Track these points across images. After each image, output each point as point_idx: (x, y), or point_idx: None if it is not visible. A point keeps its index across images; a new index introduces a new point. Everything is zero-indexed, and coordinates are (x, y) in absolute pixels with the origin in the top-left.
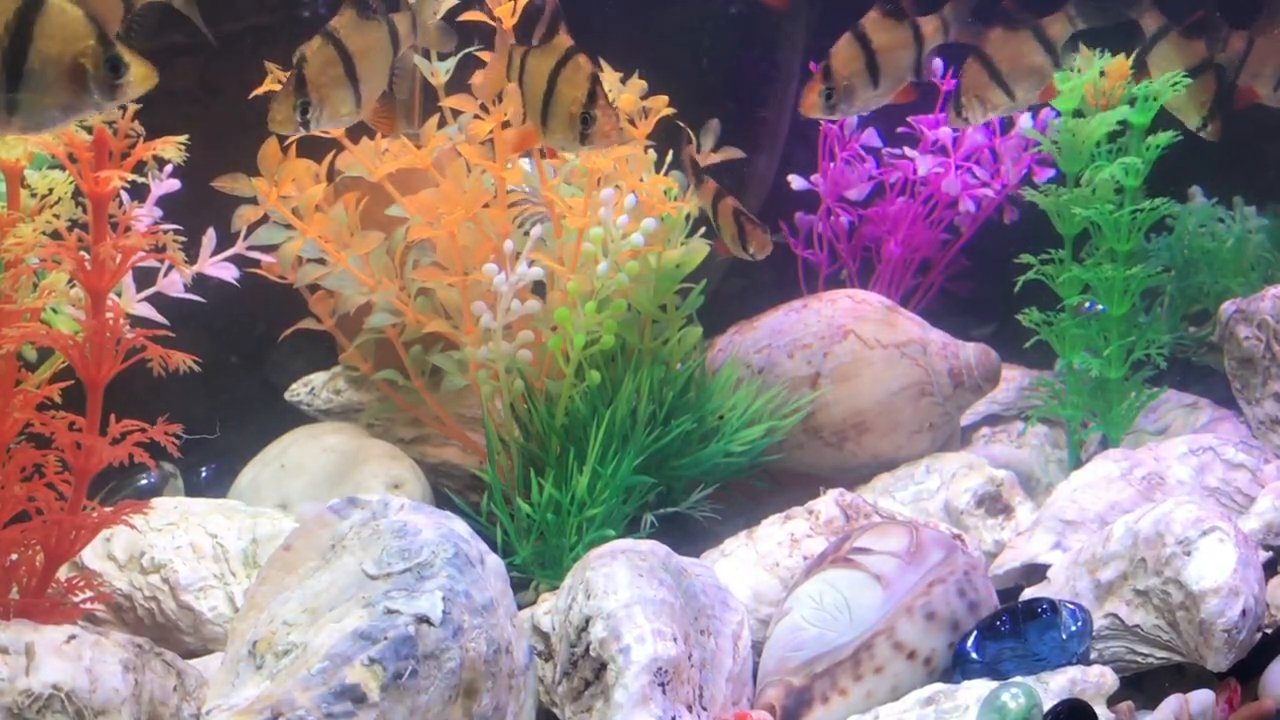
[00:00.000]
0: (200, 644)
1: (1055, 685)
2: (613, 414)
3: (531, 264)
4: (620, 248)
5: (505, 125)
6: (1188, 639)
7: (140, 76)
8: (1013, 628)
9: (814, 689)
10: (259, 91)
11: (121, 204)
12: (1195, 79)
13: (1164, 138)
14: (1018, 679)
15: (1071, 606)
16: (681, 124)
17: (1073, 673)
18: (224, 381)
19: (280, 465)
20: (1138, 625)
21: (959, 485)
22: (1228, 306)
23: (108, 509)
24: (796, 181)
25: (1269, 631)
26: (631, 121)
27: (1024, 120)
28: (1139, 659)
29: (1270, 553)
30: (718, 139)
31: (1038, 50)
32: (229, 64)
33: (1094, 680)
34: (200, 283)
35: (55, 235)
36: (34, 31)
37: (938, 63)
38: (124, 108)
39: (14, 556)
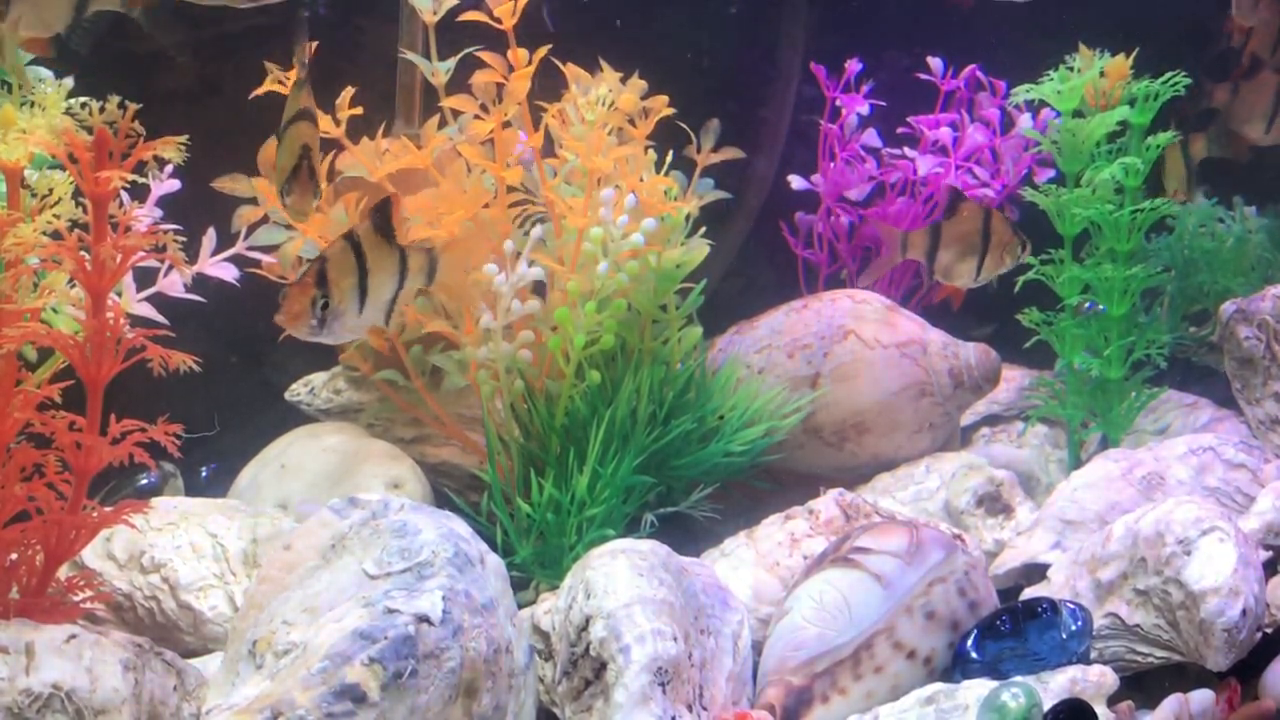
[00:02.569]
0: (200, 643)
1: (1055, 685)
2: (613, 414)
3: (531, 264)
4: (620, 248)
5: (506, 125)
6: (1188, 638)
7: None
8: (1013, 627)
9: (814, 688)
10: (259, 91)
11: (121, 204)
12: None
13: (1164, 138)
14: (1018, 678)
15: (1071, 606)
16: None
17: (1073, 672)
18: (224, 381)
19: (280, 465)
20: (1138, 625)
21: (959, 485)
22: (1228, 306)
23: (108, 509)
24: (796, 181)
25: (1269, 631)
26: (631, 121)
27: (1024, 120)
28: (1139, 658)
29: (1270, 552)
30: (718, 139)
31: None
32: (229, 64)
33: (1094, 680)
34: (200, 283)
35: (55, 235)
36: None
37: (937, 62)
38: (124, 107)
39: (14, 556)
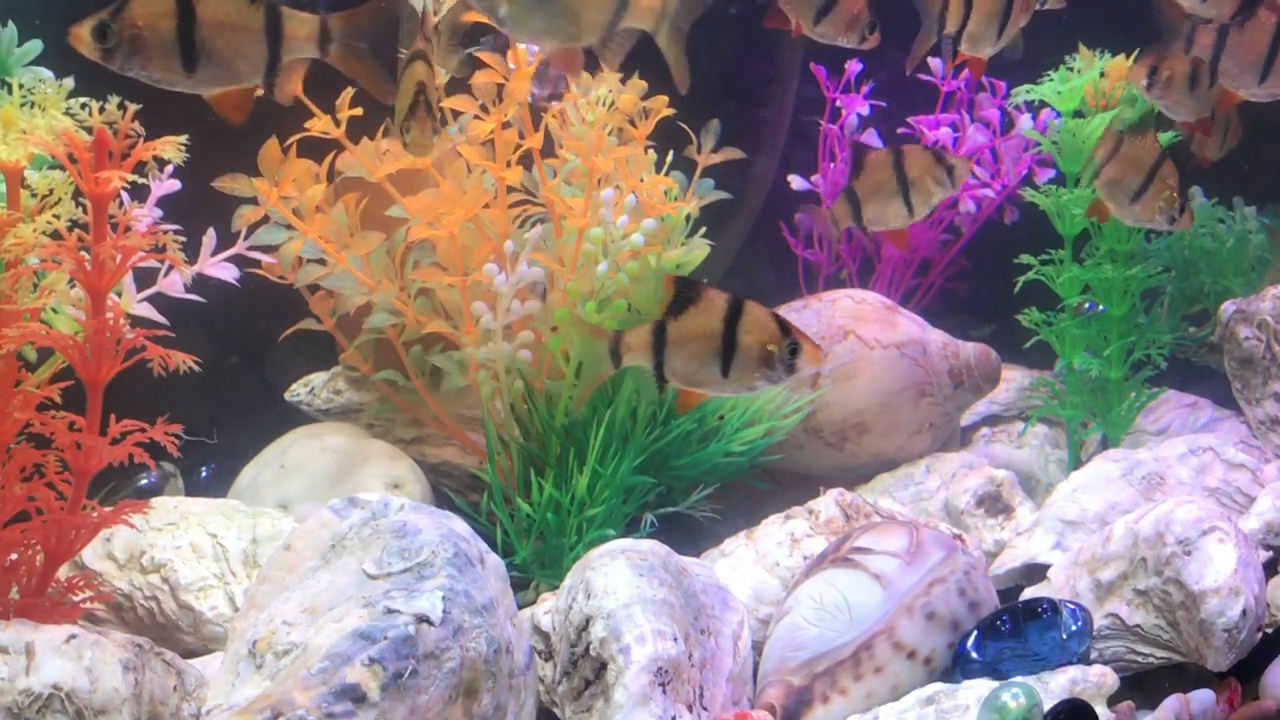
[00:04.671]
0: (200, 644)
1: (1055, 685)
2: (613, 414)
3: (531, 264)
4: (620, 248)
5: (505, 126)
6: (1188, 639)
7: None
8: (1013, 627)
9: (814, 689)
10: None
11: (121, 204)
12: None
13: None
14: (1018, 679)
15: (1072, 606)
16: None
17: (1073, 672)
18: (224, 381)
19: (280, 465)
20: (1138, 625)
21: (959, 485)
22: (1228, 306)
23: (108, 509)
24: (796, 181)
25: (1269, 631)
26: (631, 122)
27: (1024, 120)
28: (1139, 659)
29: (1270, 552)
30: (718, 139)
31: None
32: None
33: (1094, 680)
34: (200, 283)
35: (55, 235)
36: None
37: (936, 63)
38: (124, 107)
39: (14, 556)
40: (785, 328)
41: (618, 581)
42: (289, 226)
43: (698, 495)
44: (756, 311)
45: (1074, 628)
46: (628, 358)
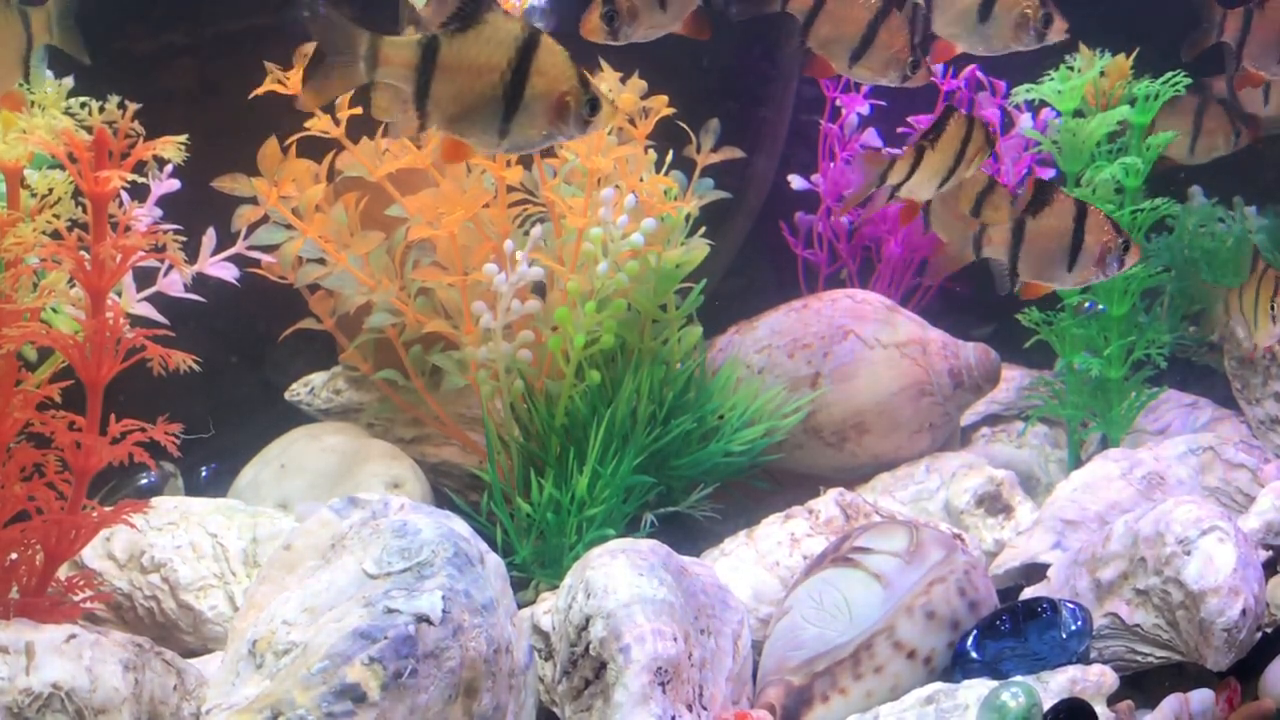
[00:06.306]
0: (200, 643)
1: (1055, 684)
2: (613, 414)
3: (531, 264)
4: (620, 248)
5: None
6: (1188, 638)
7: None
8: (1013, 627)
9: (814, 688)
10: (259, 91)
11: (121, 204)
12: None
13: (1164, 137)
14: (1018, 678)
15: (1071, 606)
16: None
17: (1073, 672)
18: (224, 381)
19: (280, 465)
20: (1138, 624)
21: (959, 485)
22: None
23: (108, 508)
24: (796, 181)
25: (1269, 631)
26: (631, 121)
27: (1024, 120)
28: (1139, 658)
29: (1270, 552)
30: (717, 138)
31: None
32: (229, 64)
33: (1094, 679)
34: (200, 283)
35: (55, 235)
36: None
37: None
38: (124, 107)
39: (14, 556)
40: (1117, 227)
41: (618, 581)
42: (289, 226)
43: (698, 495)
44: (1098, 212)
45: (1073, 627)
46: (988, 249)
